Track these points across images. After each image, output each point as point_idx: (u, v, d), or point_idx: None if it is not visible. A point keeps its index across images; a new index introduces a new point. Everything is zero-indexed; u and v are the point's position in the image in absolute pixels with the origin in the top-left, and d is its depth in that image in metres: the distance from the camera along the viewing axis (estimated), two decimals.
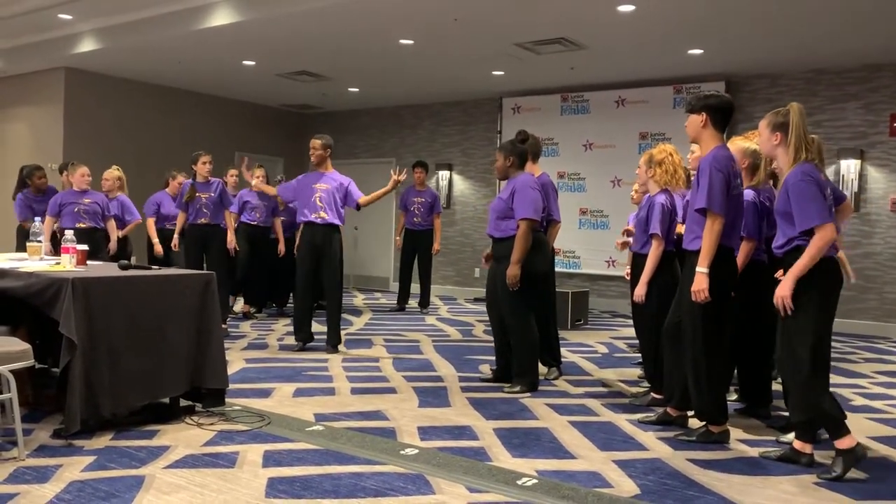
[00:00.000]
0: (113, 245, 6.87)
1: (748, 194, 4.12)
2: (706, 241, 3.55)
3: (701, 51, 7.89)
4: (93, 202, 6.67)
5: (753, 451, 3.60)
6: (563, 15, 6.83)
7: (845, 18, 6.61)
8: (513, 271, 4.66)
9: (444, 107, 11.36)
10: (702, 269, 3.55)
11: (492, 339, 6.93)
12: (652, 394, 4.53)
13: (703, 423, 3.77)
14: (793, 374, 3.29)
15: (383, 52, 8.40)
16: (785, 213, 3.28)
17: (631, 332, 7.14)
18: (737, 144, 4.20)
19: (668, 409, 4.05)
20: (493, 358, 5.89)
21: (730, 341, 3.88)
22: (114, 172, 7.44)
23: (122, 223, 7.25)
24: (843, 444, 3.23)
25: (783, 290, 3.24)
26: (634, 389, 4.93)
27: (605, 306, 9.79)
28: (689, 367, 3.74)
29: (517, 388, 4.76)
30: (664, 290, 4.40)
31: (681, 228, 4.59)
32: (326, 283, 5.97)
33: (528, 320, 4.81)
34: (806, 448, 3.40)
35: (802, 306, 3.22)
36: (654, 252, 4.44)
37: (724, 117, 3.74)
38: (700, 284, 3.55)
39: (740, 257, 4.10)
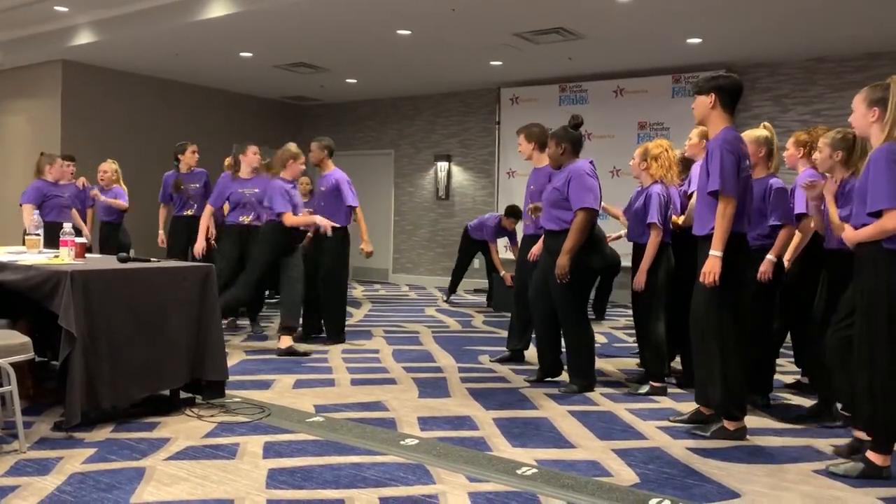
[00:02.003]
0: (87, 237, 6.84)
1: (776, 182, 4.11)
2: (719, 224, 3.43)
3: (700, 40, 7.87)
4: (72, 196, 6.63)
5: (752, 440, 3.60)
6: (561, 4, 6.80)
7: (844, 6, 6.58)
8: (563, 261, 4.33)
9: (443, 98, 11.33)
10: (716, 252, 3.42)
11: (492, 329, 6.97)
12: (650, 382, 4.55)
13: (720, 418, 3.65)
14: (881, 379, 3.02)
15: (381, 43, 8.37)
16: (862, 192, 3.07)
17: (630, 321, 7.16)
18: (749, 133, 4.14)
19: (702, 409, 3.85)
20: (493, 349, 5.92)
21: (746, 333, 3.77)
22: (112, 165, 7.40)
23: (117, 214, 7.26)
24: (878, 459, 3.07)
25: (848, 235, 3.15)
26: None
27: None
28: (701, 357, 3.62)
29: (574, 388, 4.53)
30: (661, 278, 4.47)
31: (676, 220, 4.65)
32: (324, 283, 5.90)
33: (585, 320, 4.60)
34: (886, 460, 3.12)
35: (878, 309, 3.01)
36: (652, 241, 4.47)
37: (733, 98, 3.64)
38: (712, 267, 3.42)
39: (779, 243, 4.05)
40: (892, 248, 2.98)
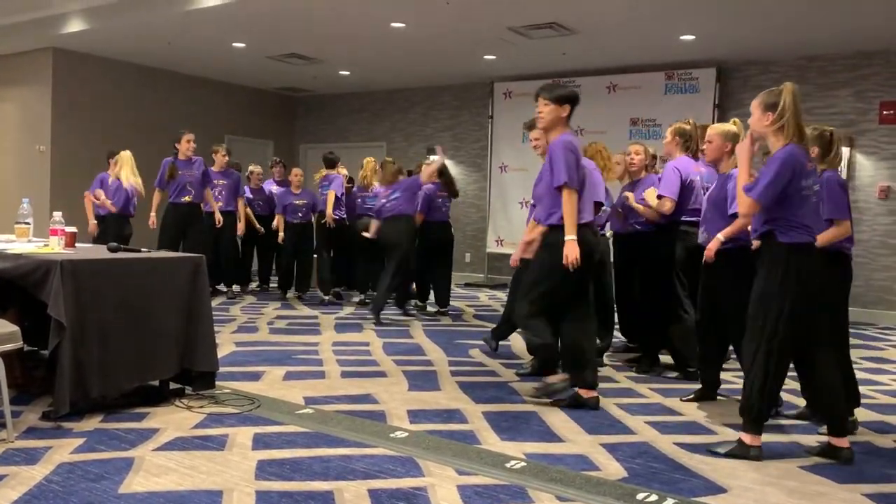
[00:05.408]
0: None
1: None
2: (567, 213, 3.85)
3: (693, 37, 7.88)
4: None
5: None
6: None
7: (836, 5, 6.61)
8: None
9: (436, 91, 11.30)
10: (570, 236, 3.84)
11: (482, 324, 6.98)
12: (687, 367, 4.83)
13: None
14: None
15: (375, 36, 8.35)
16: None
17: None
18: (715, 127, 4.18)
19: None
20: (482, 342, 5.92)
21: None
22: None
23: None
24: (748, 438, 3.30)
25: None
26: (623, 374, 4.96)
27: None
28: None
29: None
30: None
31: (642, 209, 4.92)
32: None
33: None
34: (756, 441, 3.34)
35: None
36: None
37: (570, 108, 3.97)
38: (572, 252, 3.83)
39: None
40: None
